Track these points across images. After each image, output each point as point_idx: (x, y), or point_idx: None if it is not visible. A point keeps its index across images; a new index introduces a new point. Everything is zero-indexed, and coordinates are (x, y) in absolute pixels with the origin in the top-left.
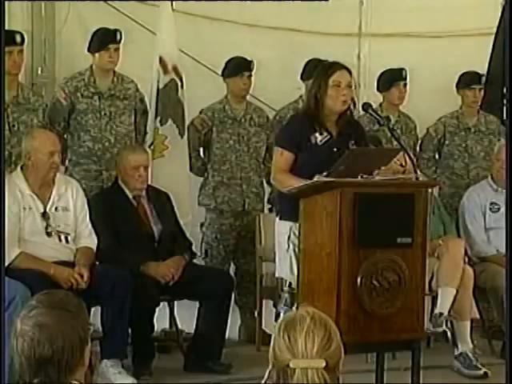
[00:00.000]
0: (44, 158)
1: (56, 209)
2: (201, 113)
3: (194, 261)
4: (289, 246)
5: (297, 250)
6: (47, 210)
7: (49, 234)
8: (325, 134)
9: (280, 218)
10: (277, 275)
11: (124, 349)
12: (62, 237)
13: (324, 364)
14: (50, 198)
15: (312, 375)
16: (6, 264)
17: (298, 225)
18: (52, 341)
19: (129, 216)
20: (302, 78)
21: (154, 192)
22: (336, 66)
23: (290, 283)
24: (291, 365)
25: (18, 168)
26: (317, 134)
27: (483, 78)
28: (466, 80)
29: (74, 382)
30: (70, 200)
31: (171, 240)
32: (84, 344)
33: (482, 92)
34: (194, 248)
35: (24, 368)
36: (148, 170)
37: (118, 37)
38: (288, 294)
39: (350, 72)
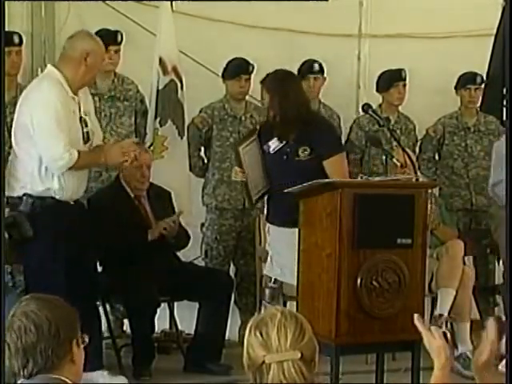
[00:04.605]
0: (100, 60)
1: (85, 114)
2: (200, 112)
3: (194, 261)
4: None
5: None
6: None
7: (85, 142)
8: (278, 142)
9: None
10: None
11: (99, 360)
12: (88, 143)
13: (299, 355)
14: (79, 102)
15: (288, 367)
16: (70, 165)
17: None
18: (37, 325)
19: (130, 214)
20: None
21: (156, 190)
22: None
23: (275, 280)
24: (266, 360)
25: (53, 68)
26: (270, 143)
27: (479, 78)
28: (463, 80)
29: (62, 378)
30: (89, 103)
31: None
32: (72, 337)
33: (478, 92)
34: (193, 249)
35: (13, 359)
36: (150, 170)
37: (119, 38)
38: (268, 290)
39: (265, 84)
